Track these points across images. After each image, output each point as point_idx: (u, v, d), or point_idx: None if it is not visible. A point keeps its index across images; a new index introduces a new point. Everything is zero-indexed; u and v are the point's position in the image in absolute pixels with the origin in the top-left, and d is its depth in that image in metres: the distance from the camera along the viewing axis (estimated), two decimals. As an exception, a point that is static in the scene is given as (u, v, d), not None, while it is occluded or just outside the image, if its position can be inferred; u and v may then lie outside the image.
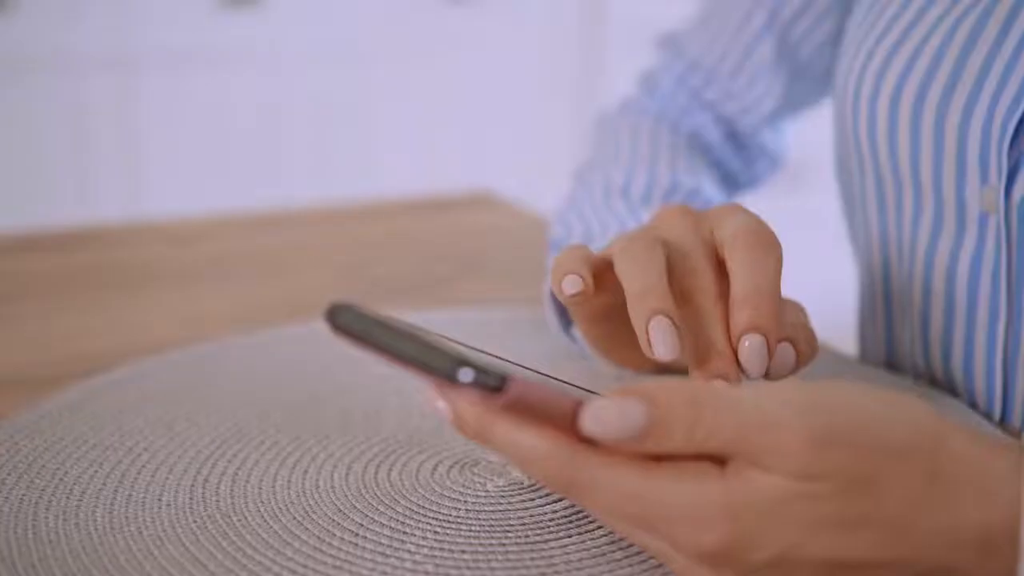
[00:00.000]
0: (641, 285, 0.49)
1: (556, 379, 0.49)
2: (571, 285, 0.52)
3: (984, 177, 0.58)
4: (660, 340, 0.48)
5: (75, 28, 1.99)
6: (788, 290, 0.52)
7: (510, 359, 0.49)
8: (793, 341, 0.51)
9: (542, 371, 0.49)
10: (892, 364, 0.69)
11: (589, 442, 0.40)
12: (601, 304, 0.55)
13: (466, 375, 0.38)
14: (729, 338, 0.49)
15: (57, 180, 2.04)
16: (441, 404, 0.42)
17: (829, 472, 0.38)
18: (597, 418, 0.39)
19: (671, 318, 0.48)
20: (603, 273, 0.53)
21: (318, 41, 2.16)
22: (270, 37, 2.12)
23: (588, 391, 0.48)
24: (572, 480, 0.40)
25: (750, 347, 0.48)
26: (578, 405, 0.40)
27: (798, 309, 0.54)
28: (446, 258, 0.88)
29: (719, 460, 0.39)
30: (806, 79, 0.79)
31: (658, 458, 0.40)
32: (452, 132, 2.29)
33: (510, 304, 0.74)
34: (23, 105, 2.00)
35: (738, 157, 0.84)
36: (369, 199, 1.06)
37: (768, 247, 0.50)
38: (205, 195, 2.01)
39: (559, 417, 0.40)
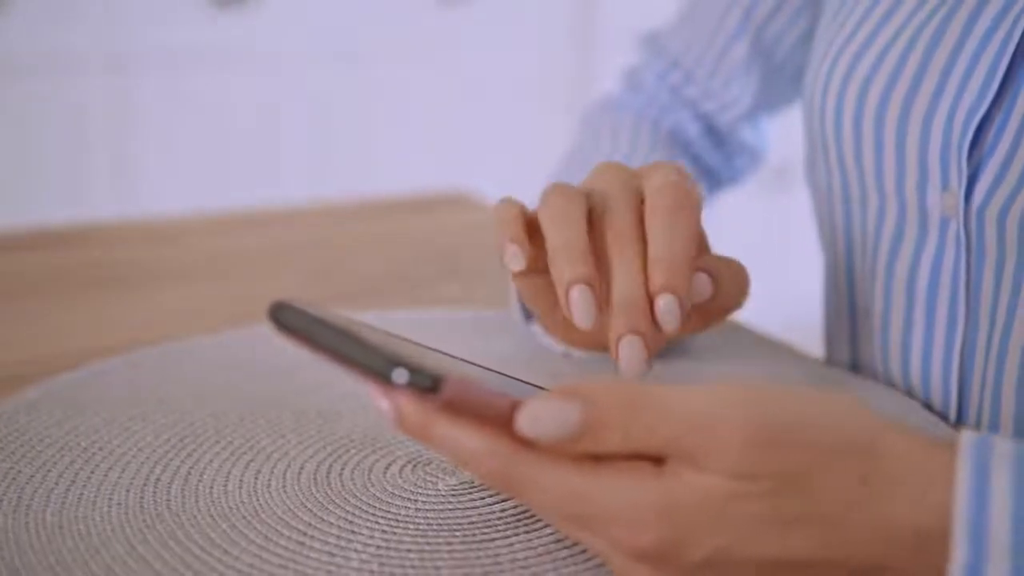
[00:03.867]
0: (562, 243, 0.51)
1: (507, 376, 0.49)
2: (514, 261, 0.52)
3: (945, 182, 0.58)
4: (579, 309, 0.50)
5: (70, 28, 1.99)
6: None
7: (464, 358, 0.50)
8: (713, 274, 0.52)
9: (494, 368, 0.50)
10: (856, 365, 0.69)
11: (529, 441, 0.40)
12: (538, 262, 0.55)
13: (400, 376, 0.38)
14: (644, 288, 0.51)
15: (52, 180, 2.04)
16: (384, 403, 0.42)
17: (764, 472, 0.38)
18: (533, 419, 0.39)
19: (591, 287, 0.50)
20: (535, 227, 0.54)
21: (313, 41, 2.16)
22: (265, 37, 2.12)
23: (538, 387, 0.48)
24: (511, 479, 0.40)
25: (664, 306, 0.50)
26: (515, 405, 0.40)
27: (734, 265, 0.54)
28: (422, 258, 0.88)
29: (657, 460, 0.40)
30: (782, 78, 0.80)
31: (598, 458, 0.40)
32: (447, 132, 2.29)
33: (482, 305, 0.75)
34: (17, 105, 2.00)
35: (718, 153, 0.84)
36: (346, 199, 1.06)
37: (685, 207, 0.52)
38: (200, 195, 2.02)
39: (497, 417, 0.40)
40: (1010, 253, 0.56)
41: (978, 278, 0.58)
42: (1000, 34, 0.56)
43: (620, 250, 0.52)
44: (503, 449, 0.40)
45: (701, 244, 0.55)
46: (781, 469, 0.38)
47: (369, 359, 0.39)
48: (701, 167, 0.83)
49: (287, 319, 0.42)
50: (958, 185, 0.57)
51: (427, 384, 0.38)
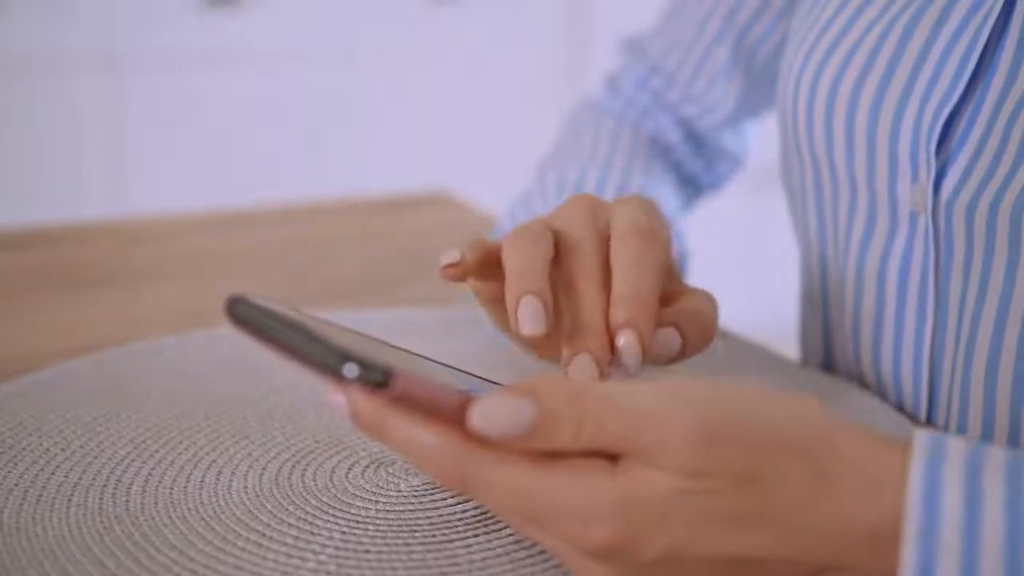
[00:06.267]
0: (519, 269, 0.50)
1: (465, 372, 0.49)
2: (446, 257, 0.53)
3: (914, 175, 0.58)
4: (526, 317, 0.49)
5: (64, 28, 1.99)
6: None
7: (425, 355, 0.49)
8: (680, 327, 0.51)
9: (453, 365, 0.49)
10: (829, 360, 0.69)
11: (482, 438, 0.40)
12: (497, 289, 0.55)
13: (350, 370, 0.38)
14: (604, 321, 0.50)
15: (46, 180, 2.04)
16: (339, 399, 0.42)
17: (716, 469, 0.38)
18: (485, 415, 0.39)
19: (540, 298, 0.49)
20: (499, 258, 0.53)
21: (305, 41, 2.16)
22: (257, 37, 2.12)
23: (496, 384, 0.48)
24: (464, 477, 0.40)
25: (624, 343, 0.49)
26: (468, 402, 0.40)
27: (704, 298, 0.54)
28: (399, 258, 0.88)
29: (612, 457, 0.39)
30: (764, 82, 0.79)
31: (552, 455, 0.40)
32: (440, 132, 2.29)
33: (455, 305, 0.74)
34: (11, 105, 2.00)
35: (699, 158, 0.84)
36: (329, 199, 1.06)
37: (650, 245, 0.51)
38: (193, 195, 2.01)
39: (450, 413, 0.40)
40: (978, 248, 0.55)
41: (947, 273, 0.58)
42: (971, 28, 0.56)
43: (583, 288, 0.51)
44: (456, 446, 0.40)
45: (671, 278, 0.54)
46: (733, 467, 0.38)
47: (320, 354, 0.39)
48: (683, 174, 0.83)
49: (242, 313, 0.42)
50: (927, 179, 0.56)
51: (377, 379, 0.38)
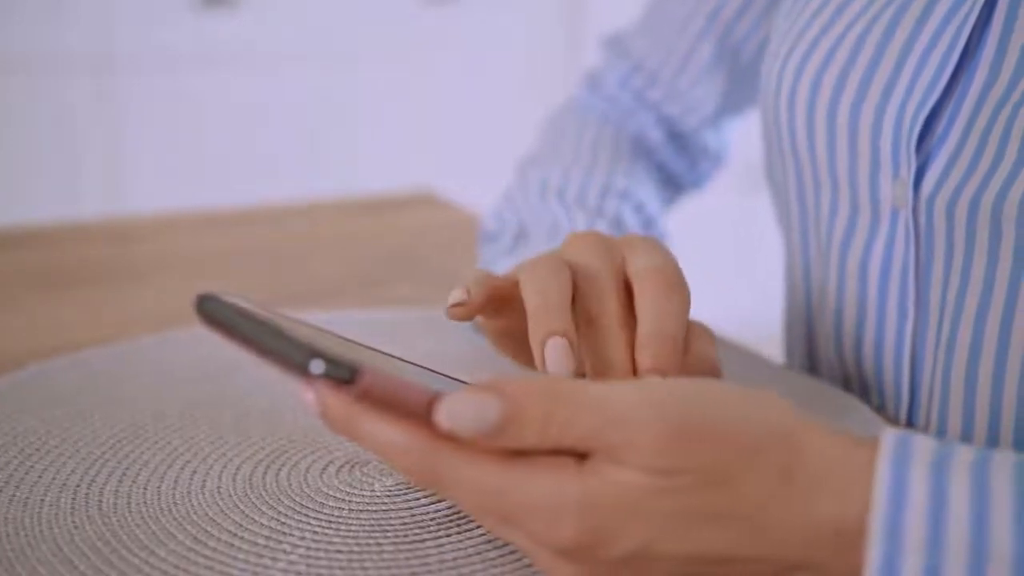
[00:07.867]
0: (541, 303, 0.49)
1: (435, 372, 0.48)
2: (453, 296, 0.51)
3: (895, 172, 0.58)
4: (554, 359, 0.48)
5: (60, 28, 1.99)
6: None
7: (397, 355, 0.49)
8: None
9: (424, 365, 0.49)
10: (812, 361, 0.69)
11: (451, 436, 0.40)
12: (507, 324, 0.55)
13: (317, 366, 0.38)
14: (629, 358, 0.50)
15: (42, 179, 2.05)
16: (309, 397, 0.42)
17: (684, 467, 0.38)
18: (451, 412, 0.39)
19: (567, 339, 0.48)
20: (510, 294, 0.53)
21: (301, 41, 2.16)
22: (253, 37, 2.12)
23: (466, 383, 0.48)
24: (433, 474, 0.40)
25: None
26: (435, 399, 0.40)
27: (705, 336, 0.53)
28: (384, 258, 0.88)
29: (580, 455, 0.39)
30: (748, 79, 0.79)
31: (521, 453, 0.40)
32: (434, 132, 2.29)
33: (437, 305, 0.74)
34: (7, 104, 2.00)
35: (681, 158, 0.84)
36: (317, 199, 1.06)
37: (675, 288, 0.51)
38: (188, 194, 2.02)
39: (418, 411, 0.40)
40: (958, 244, 0.55)
41: (927, 269, 0.57)
42: (953, 25, 0.56)
43: (607, 324, 0.51)
44: (424, 444, 0.40)
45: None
46: (700, 464, 0.38)
47: (287, 350, 0.39)
48: (665, 173, 0.83)
49: (212, 310, 0.42)
50: (908, 174, 0.56)
51: (343, 375, 0.38)
